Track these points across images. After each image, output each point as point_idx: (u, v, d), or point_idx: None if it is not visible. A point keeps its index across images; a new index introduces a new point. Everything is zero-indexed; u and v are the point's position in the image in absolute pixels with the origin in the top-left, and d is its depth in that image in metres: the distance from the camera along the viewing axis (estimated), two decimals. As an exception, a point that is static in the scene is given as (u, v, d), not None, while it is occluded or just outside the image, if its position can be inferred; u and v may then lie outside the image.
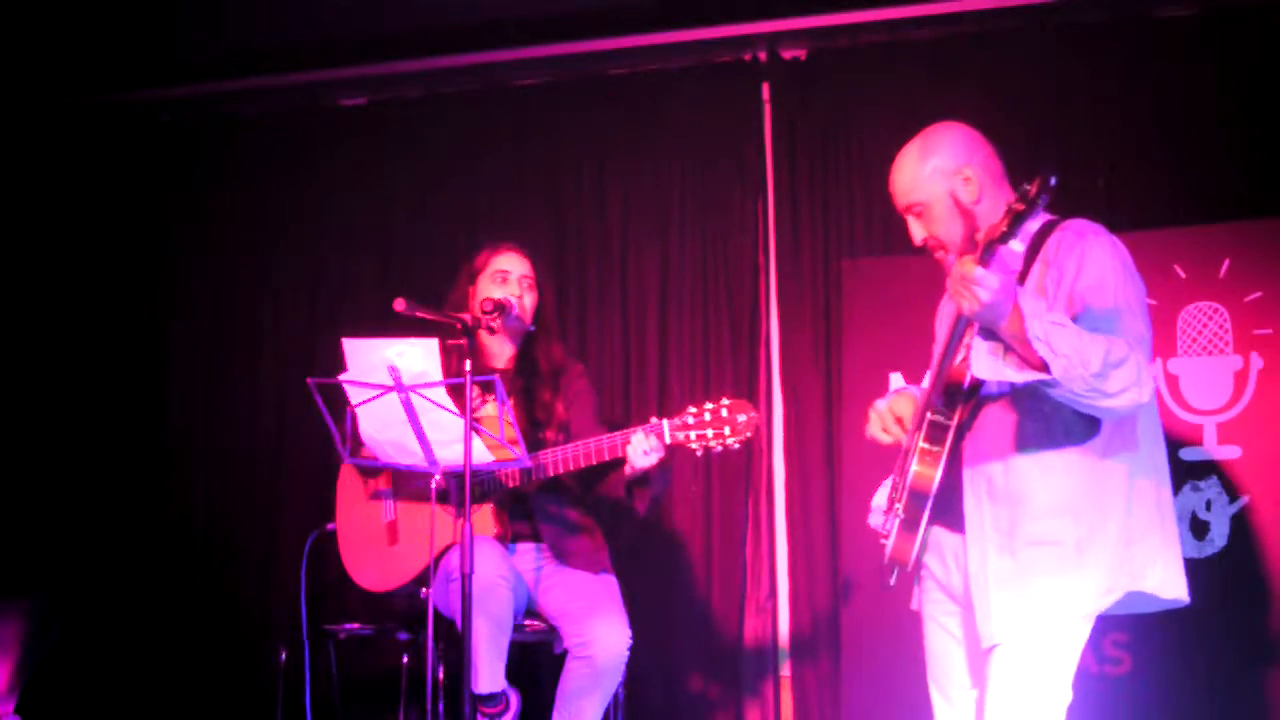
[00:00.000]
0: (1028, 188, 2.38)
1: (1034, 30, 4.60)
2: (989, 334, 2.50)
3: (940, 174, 2.78)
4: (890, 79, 4.67)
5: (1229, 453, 4.06)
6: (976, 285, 2.41)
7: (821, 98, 4.79)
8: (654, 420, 3.45)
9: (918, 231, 2.83)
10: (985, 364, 2.51)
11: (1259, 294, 4.08)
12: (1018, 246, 2.42)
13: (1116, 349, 2.48)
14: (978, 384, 2.71)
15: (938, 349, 2.83)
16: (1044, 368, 2.45)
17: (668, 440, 3.43)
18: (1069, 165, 4.47)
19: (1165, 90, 4.46)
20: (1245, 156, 4.33)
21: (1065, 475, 2.65)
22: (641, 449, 3.42)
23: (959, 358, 2.69)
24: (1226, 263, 4.11)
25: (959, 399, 2.71)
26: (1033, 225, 2.68)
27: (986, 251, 2.42)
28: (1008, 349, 2.50)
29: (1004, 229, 2.40)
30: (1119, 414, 2.57)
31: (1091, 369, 2.45)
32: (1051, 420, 2.63)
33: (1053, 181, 2.40)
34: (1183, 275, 4.15)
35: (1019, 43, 4.61)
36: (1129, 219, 4.28)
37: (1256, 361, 4.07)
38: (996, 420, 2.71)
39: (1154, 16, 4.50)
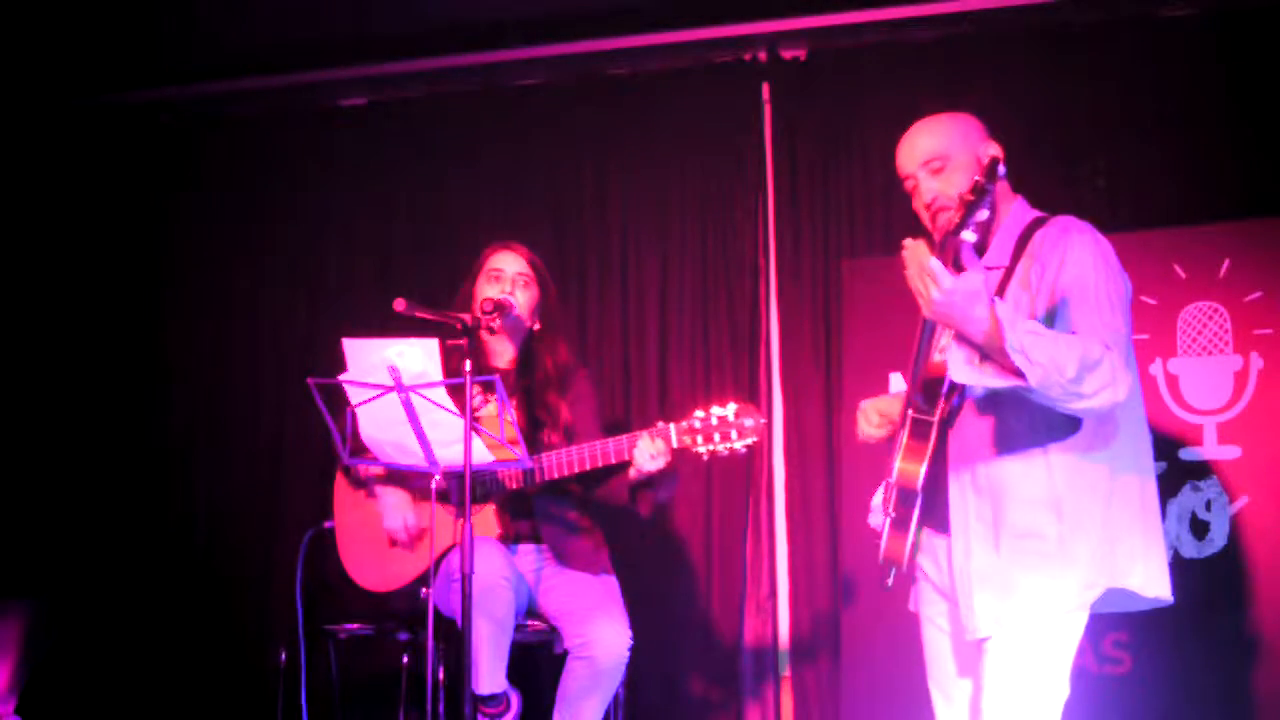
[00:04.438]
0: (978, 178, 2.40)
1: (1034, 30, 4.60)
2: (965, 340, 2.51)
3: (973, 132, 2.80)
4: (890, 79, 4.67)
5: (1229, 453, 4.06)
6: (932, 281, 2.41)
7: (821, 98, 4.79)
8: (660, 424, 3.44)
9: (929, 189, 2.75)
10: (963, 371, 2.53)
11: (1259, 294, 4.08)
12: (969, 236, 2.42)
13: (1091, 351, 2.49)
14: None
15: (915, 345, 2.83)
16: (1020, 374, 2.46)
17: (674, 444, 3.41)
18: (1069, 165, 4.48)
19: (1165, 90, 4.46)
20: (1245, 156, 4.33)
21: (1047, 471, 2.66)
22: (648, 453, 3.40)
23: (935, 355, 2.69)
24: (1226, 263, 4.11)
25: (939, 396, 2.72)
26: (1013, 231, 2.70)
27: (944, 245, 2.43)
28: (984, 356, 2.50)
29: (956, 220, 2.42)
30: (1095, 413, 2.58)
31: (1067, 375, 2.46)
32: (1034, 416, 2.63)
33: (1001, 169, 2.43)
34: (1183, 275, 4.15)
35: (1019, 43, 4.61)
36: (1129, 219, 4.29)
37: (1256, 361, 4.07)
38: (978, 417, 2.71)
39: (1154, 16, 4.50)
